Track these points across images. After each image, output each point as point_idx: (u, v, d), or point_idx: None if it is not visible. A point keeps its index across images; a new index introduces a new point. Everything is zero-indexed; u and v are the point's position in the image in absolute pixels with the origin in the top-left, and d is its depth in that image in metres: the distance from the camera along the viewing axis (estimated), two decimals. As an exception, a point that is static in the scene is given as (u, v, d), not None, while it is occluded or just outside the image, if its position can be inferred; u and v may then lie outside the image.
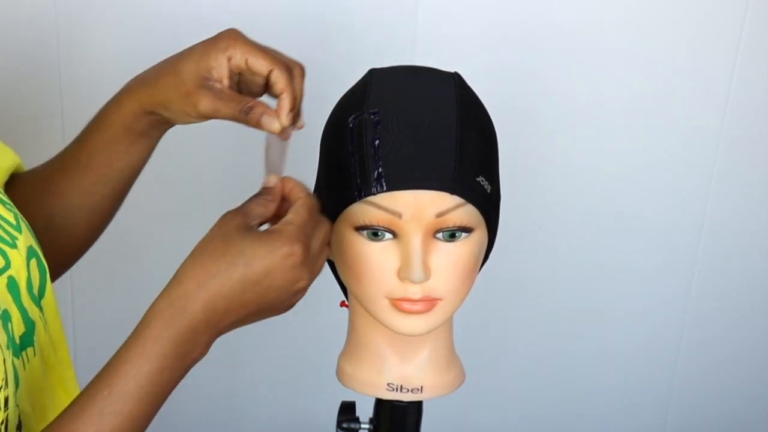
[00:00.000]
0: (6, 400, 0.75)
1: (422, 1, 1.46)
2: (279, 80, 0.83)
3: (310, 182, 0.91)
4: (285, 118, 0.82)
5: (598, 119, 1.57)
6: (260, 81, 0.85)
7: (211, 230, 0.77)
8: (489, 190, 0.83)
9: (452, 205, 0.80)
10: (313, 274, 0.79)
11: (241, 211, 0.78)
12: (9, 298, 0.82)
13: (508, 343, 1.72)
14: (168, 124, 0.91)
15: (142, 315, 0.76)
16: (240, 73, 0.85)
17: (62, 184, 0.95)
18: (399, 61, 0.92)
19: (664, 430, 1.82)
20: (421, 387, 0.91)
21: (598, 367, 1.75)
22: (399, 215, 0.80)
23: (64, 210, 0.95)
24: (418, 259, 0.80)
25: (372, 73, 0.87)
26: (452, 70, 0.88)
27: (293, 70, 0.85)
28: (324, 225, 0.80)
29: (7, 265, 0.82)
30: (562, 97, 1.55)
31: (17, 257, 0.84)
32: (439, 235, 0.82)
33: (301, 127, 0.85)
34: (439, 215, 0.80)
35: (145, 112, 0.89)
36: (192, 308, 0.74)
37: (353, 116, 0.82)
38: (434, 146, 0.80)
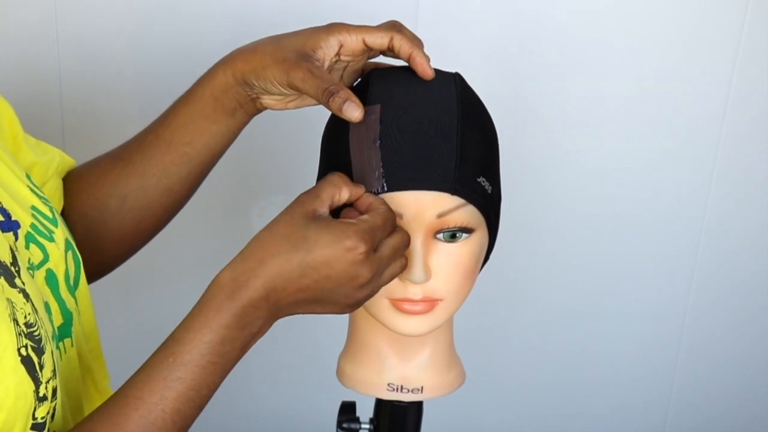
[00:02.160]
0: (54, 390, 0.77)
1: (422, 1, 1.45)
2: (403, 44, 0.86)
3: (312, 183, 0.91)
4: (429, 68, 0.85)
5: (599, 119, 1.57)
6: (359, 66, 0.89)
7: (283, 212, 0.79)
8: (490, 191, 0.83)
9: (453, 205, 0.80)
10: (376, 277, 0.78)
11: (312, 192, 0.79)
12: (47, 290, 0.83)
13: (509, 344, 1.72)
14: (254, 105, 0.92)
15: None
16: (338, 62, 0.88)
17: (141, 164, 0.96)
18: (399, 61, 0.91)
19: (664, 430, 1.82)
20: (422, 387, 0.91)
21: (598, 367, 1.75)
22: (400, 216, 0.80)
23: (140, 190, 0.96)
24: (419, 259, 0.80)
25: (372, 73, 0.87)
26: (453, 71, 0.88)
27: (397, 27, 0.88)
28: (400, 235, 0.80)
29: (46, 258, 0.84)
30: (563, 98, 1.55)
31: (55, 250, 0.85)
32: (440, 235, 0.82)
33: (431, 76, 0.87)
34: (440, 216, 0.80)
35: (237, 81, 0.89)
36: (253, 284, 0.76)
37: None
38: (435, 147, 0.80)
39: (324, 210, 0.78)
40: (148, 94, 1.46)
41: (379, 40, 0.86)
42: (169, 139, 0.95)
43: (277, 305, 0.77)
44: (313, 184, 0.90)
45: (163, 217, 1.01)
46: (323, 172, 0.88)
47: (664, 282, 1.70)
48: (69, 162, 1.01)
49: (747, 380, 1.79)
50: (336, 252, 0.76)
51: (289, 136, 1.50)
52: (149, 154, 0.96)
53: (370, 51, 0.88)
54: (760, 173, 1.64)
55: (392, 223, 0.79)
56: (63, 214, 0.97)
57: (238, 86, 0.90)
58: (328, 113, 0.87)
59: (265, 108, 0.93)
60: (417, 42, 0.87)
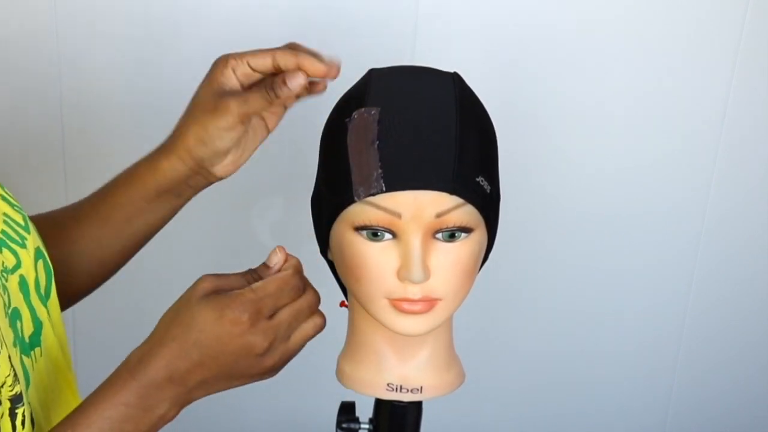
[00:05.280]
0: (18, 396, 0.76)
1: (422, 1, 1.46)
2: (285, 57, 0.85)
3: (311, 183, 0.91)
4: (317, 65, 0.85)
5: (598, 120, 1.57)
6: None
7: (186, 291, 0.79)
8: (488, 191, 0.83)
9: (452, 205, 0.80)
10: (278, 344, 0.79)
11: (217, 278, 0.79)
12: (20, 297, 0.83)
13: (508, 343, 1.72)
14: (205, 179, 0.93)
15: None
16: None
17: (74, 232, 0.96)
18: (399, 61, 0.91)
19: (664, 430, 1.82)
20: (421, 387, 0.91)
21: (598, 367, 1.75)
22: (399, 215, 0.80)
23: (73, 255, 0.96)
24: (418, 259, 0.80)
25: (371, 73, 0.87)
26: (452, 70, 0.88)
27: (292, 46, 0.88)
28: (306, 297, 0.81)
29: (18, 264, 0.83)
30: (562, 98, 1.55)
31: (26, 257, 0.85)
32: (439, 235, 0.82)
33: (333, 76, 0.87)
34: (439, 215, 0.80)
35: (185, 163, 0.90)
36: (155, 365, 0.76)
37: (353, 116, 0.82)
38: (434, 146, 0.80)
39: (222, 289, 0.78)
40: (148, 111, 1.46)
41: (262, 62, 0.86)
42: (105, 216, 0.95)
43: (185, 386, 0.77)
44: (312, 184, 0.90)
45: (87, 287, 1.00)
46: (322, 174, 0.88)
47: (664, 282, 1.70)
48: None
49: (747, 380, 1.79)
50: (222, 328, 0.75)
51: (289, 137, 1.50)
52: (84, 225, 0.96)
53: (268, 75, 0.88)
54: (760, 173, 1.64)
55: (291, 288, 0.79)
56: None
57: (187, 169, 0.91)
58: (327, 114, 0.87)
59: (217, 178, 0.93)
60: (305, 53, 0.87)
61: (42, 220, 0.97)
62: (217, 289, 0.77)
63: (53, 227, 0.96)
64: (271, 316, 0.78)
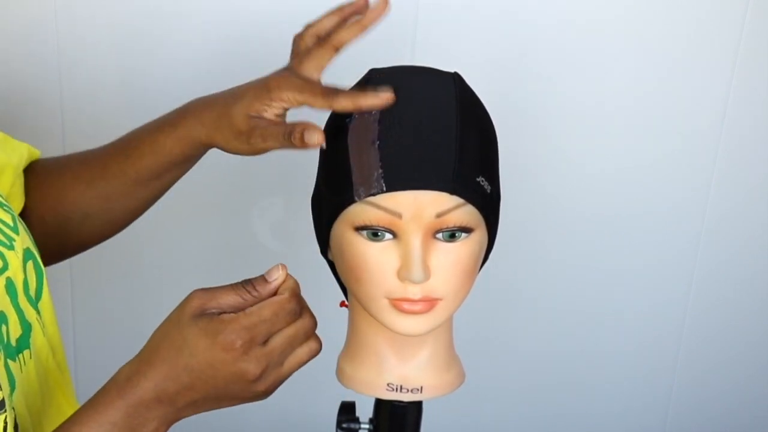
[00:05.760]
0: (0, 402, 0.76)
1: (422, 1, 1.46)
2: (344, 104, 0.83)
3: (312, 183, 0.91)
4: (374, 99, 0.82)
5: (598, 120, 1.57)
6: None
7: (176, 308, 0.78)
8: (489, 191, 0.83)
9: (452, 205, 0.80)
10: (271, 369, 0.78)
11: (208, 294, 0.78)
12: (7, 300, 0.82)
13: (508, 343, 1.72)
14: None
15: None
16: None
17: (104, 189, 0.98)
18: (399, 61, 0.92)
19: (664, 430, 1.82)
20: (421, 387, 0.91)
21: (598, 367, 1.75)
22: (399, 215, 0.80)
23: (103, 210, 0.99)
24: (418, 259, 0.80)
25: (372, 73, 0.87)
26: (452, 71, 0.88)
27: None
28: (302, 321, 0.80)
29: (5, 267, 0.83)
30: (562, 98, 1.55)
31: (14, 259, 0.84)
32: (439, 235, 0.82)
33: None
34: (439, 215, 0.80)
35: (203, 144, 0.93)
36: (144, 385, 0.76)
37: (353, 116, 0.82)
38: (434, 146, 0.80)
39: (213, 307, 0.77)
40: (149, 110, 1.46)
41: (318, 105, 0.86)
42: (134, 176, 0.97)
43: (174, 406, 0.77)
44: (312, 184, 0.90)
45: (125, 225, 1.03)
46: (322, 174, 0.88)
47: (664, 282, 1.70)
48: (34, 155, 1.01)
49: (747, 380, 1.79)
50: (215, 354, 0.75)
51: (289, 136, 1.50)
52: (114, 184, 0.97)
53: None
54: (760, 174, 1.64)
55: (287, 313, 0.78)
56: (22, 213, 0.97)
57: (205, 147, 0.94)
58: (328, 114, 0.87)
59: None
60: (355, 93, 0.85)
61: (69, 176, 1.00)
62: (208, 308, 0.77)
63: (81, 183, 0.99)
64: (266, 342, 0.77)
